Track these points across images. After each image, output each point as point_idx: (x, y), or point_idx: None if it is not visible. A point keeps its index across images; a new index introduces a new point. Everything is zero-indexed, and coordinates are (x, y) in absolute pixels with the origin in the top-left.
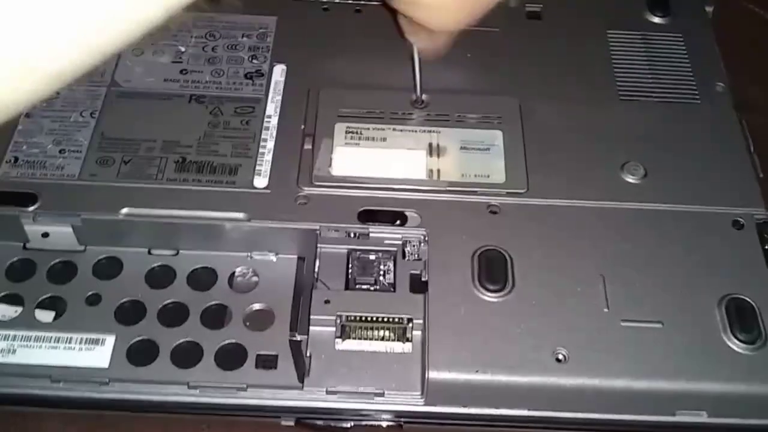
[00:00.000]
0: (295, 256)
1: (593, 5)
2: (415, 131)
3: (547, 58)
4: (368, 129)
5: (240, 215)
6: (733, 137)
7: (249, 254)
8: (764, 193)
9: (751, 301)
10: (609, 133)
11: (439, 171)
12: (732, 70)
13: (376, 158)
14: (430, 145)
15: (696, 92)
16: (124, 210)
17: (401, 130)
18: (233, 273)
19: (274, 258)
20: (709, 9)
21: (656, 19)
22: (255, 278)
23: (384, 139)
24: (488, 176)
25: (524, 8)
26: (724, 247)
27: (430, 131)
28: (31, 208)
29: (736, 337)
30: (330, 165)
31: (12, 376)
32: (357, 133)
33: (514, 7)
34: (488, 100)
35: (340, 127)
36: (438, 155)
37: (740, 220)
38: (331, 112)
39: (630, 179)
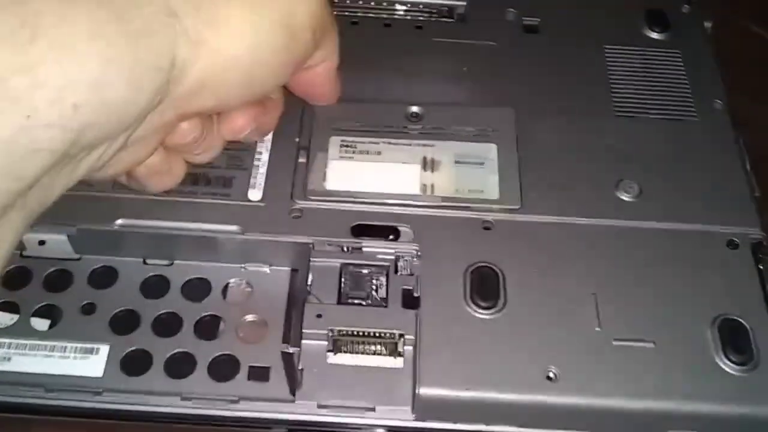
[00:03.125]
0: (288, 268)
1: (591, 19)
2: (410, 145)
3: (543, 72)
4: (363, 142)
5: (234, 228)
6: (730, 155)
7: (243, 266)
8: (760, 213)
9: (744, 322)
10: (605, 149)
11: (433, 186)
12: (730, 88)
13: (370, 172)
14: (425, 159)
15: (694, 109)
16: (119, 221)
17: (396, 144)
18: (227, 284)
19: (267, 270)
20: (708, 25)
21: (655, 35)
22: (248, 289)
23: (378, 153)
24: (482, 192)
25: (521, 21)
26: (718, 266)
27: (424, 145)
28: None
29: (728, 358)
30: (324, 179)
31: (6, 384)
32: (352, 146)
33: (512, 20)
34: (483, 112)
35: (334, 141)
36: (432, 169)
37: (735, 239)
38: (326, 125)
39: (625, 197)
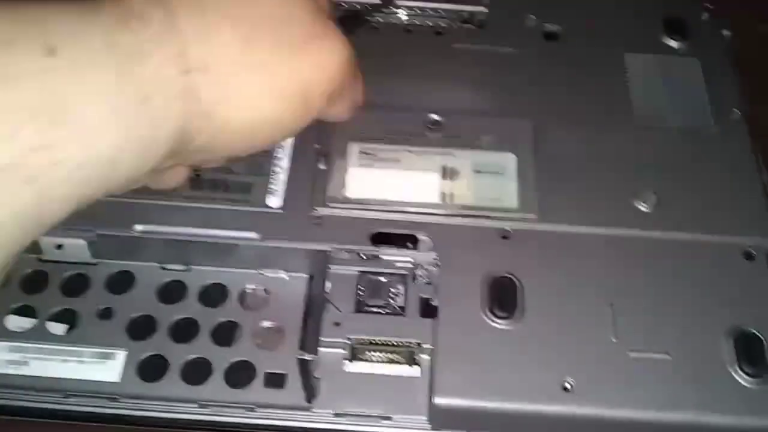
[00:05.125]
0: (306, 275)
1: (611, 27)
2: (429, 153)
3: (563, 79)
4: (383, 150)
5: (252, 234)
6: (748, 165)
7: (260, 272)
8: None
9: (760, 334)
10: (622, 159)
11: (452, 195)
12: (748, 97)
13: (389, 180)
14: (444, 167)
15: (712, 118)
16: (138, 226)
17: (415, 152)
18: (244, 290)
19: (285, 276)
20: (726, 33)
21: (673, 43)
22: (266, 296)
23: (398, 161)
24: (500, 200)
25: (542, 28)
26: (734, 278)
27: (443, 153)
28: None
29: (743, 370)
30: (344, 186)
31: (24, 389)
32: (371, 154)
33: (532, 27)
34: (502, 123)
35: (354, 148)
36: (451, 178)
37: (751, 251)
38: (345, 132)
39: (642, 207)
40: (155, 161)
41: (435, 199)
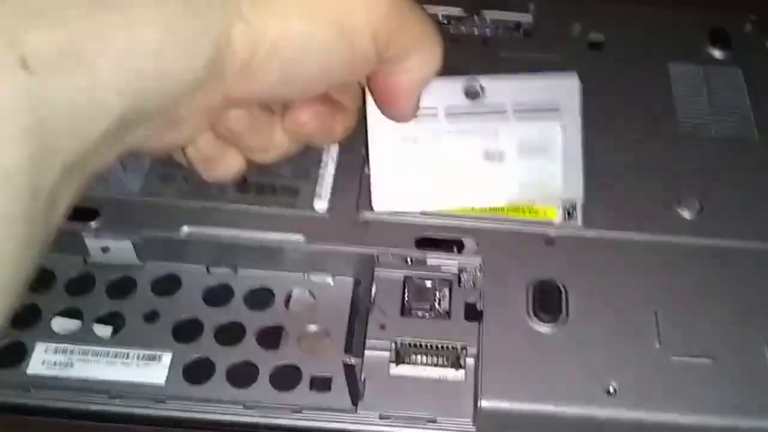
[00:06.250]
0: (351, 279)
1: (655, 37)
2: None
3: (607, 88)
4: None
5: (299, 237)
6: None
7: (305, 275)
8: None
9: None
10: (666, 166)
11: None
12: None
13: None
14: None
15: (755, 127)
16: (185, 228)
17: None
18: (290, 293)
19: (330, 280)
20: None
21: (717, 53)
22: (311, 299)
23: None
24: (546, 185)
25: (586, 38)
26: None
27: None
28: (93, 224)
29: None
30: (389, 191)
31: (70, 390)
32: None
33: (576, 36)
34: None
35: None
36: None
37: None
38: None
39: (686, 214)
40: (201, 68)
41: (480, 196)
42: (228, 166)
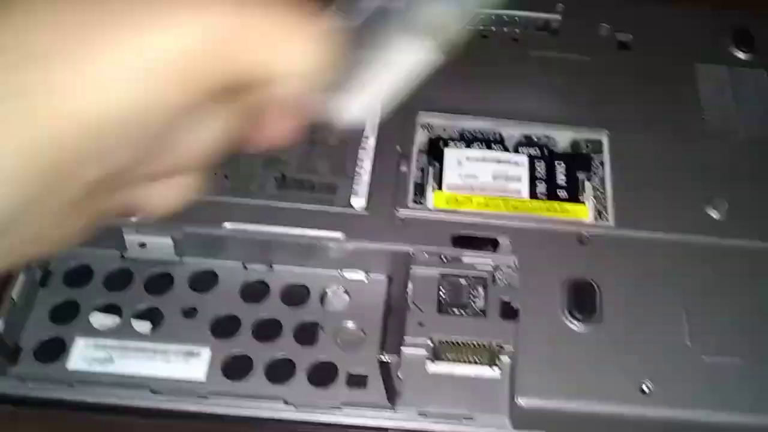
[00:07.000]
0: (385, 276)
1: (682, 37)
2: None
3: (635, 88)
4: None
5: (338, 234)
6: None
7: (340, 272)
8: None
9: None
10: (694, 167)
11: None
12: None
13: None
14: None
15: None
16: (227, 224)
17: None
18: (325, 290)
19: (364, 277)
20: None
21: (742, 55)
22: (346, 297)
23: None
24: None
25: (614, 38)
26: None
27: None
28: (134, 219)
29: None
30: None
31: (111, 386)
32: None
33: (605, 35)
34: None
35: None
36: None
37: None
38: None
39: (714, 215)
40: (19, 189)
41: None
42: (170, 191)
